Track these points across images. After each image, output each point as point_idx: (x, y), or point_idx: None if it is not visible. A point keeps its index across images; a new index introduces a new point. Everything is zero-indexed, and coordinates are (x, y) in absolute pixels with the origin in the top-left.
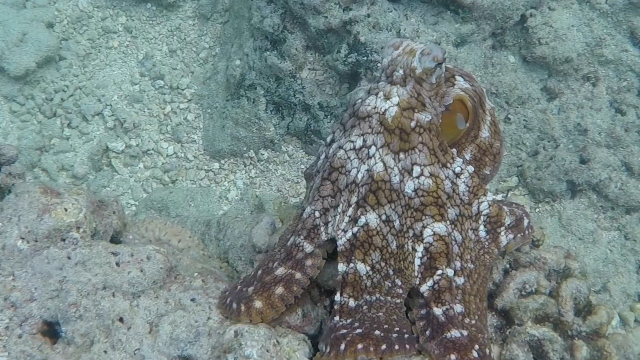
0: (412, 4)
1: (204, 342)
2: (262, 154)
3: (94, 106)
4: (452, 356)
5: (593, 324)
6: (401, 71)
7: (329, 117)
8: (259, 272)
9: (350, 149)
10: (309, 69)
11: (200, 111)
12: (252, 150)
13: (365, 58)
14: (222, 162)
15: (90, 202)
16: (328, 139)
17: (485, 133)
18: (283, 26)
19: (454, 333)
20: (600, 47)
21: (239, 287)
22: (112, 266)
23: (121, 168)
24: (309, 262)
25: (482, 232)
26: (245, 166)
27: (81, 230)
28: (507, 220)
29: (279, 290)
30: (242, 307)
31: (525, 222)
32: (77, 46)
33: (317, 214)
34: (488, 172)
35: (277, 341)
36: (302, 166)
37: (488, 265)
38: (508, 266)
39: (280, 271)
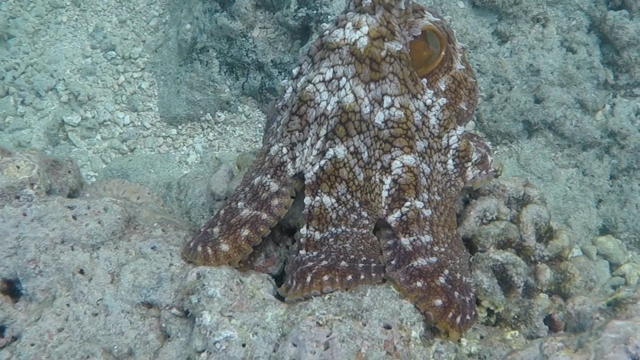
0: None
1: (166, 287)
2: (219, 116)
3: (46, 82)
4: (418, 283)
5: (555, 248)
6: None
7: (282, 74)
8: (222, 212)
9: (320, 82)
10: (260, 28)
11: (154, 79)
12: (208, 114)
13: (315, 11)
14: (180, 127)
15: (43, 161)
16: (295, 72)
17: (458, 65)
18: None
19: (420, 261)
20: None
21: (202, 229)
22: (69, 220)
23: (78, 141)
24: (275, 201)
25: (450, 166)
26: (202, 130)
27: (35, 186)
28: (475, 156)
29: (245, 232)
30: (209, 250)
31: (489, 158)
32: (26, 23)
33: (284, 150)
34: (464, 107)
35: (240, 280)
36: (260, 125)
37: (454, 197)
38: (468, 196)
39: (245, 212)
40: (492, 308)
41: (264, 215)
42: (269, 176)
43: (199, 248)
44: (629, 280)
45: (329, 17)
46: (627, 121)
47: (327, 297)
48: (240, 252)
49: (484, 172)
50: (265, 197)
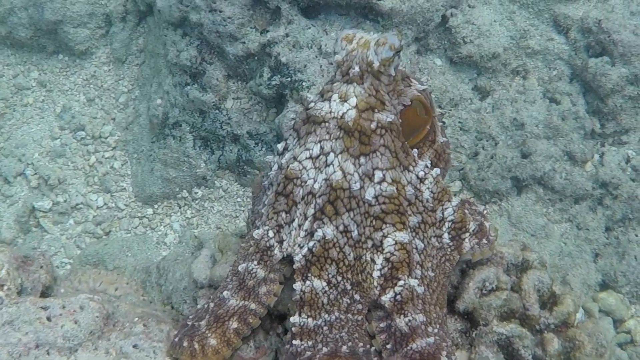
0: (329, 18)
1: None
2: (195, 193)
3: (14, 167)
4: None
5: (560, 315)
6: (357, 67)
7: (259, 144)
8: (211, 304)
9: (307, 158)
10: (233, 98)
11: (126, 157)
12: (185, 190)
13: (289, 79)
14: (156, 206)
15: (13, 258)
16: (280, 147)
17: (441, 138)
18: (201, 58)
19: (420, 343)
20: (525, 39)
21: (189, 323)
22: (43, 322)
23: (51, 227)
24: (263, 289)
25: (445, 239)
26: (180, 207)
27: (5, 287)
28: (472, 226)
29: (234, 324)
30: (196, 345)
31: (487, 225)
32: None
33: (270, 233)
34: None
35: None
36: (239, 199)
37: (448, 273)
38: (465, 266)
39: (233, 303)
40: None
41: (253, 305)
42: (255, 262)
43: (185, 343)
44: (634, 337)
45: (303, 83)
46: (618, 170)
47: None
48: (229, 346)
49: (483, 241)
50: (252, 284)
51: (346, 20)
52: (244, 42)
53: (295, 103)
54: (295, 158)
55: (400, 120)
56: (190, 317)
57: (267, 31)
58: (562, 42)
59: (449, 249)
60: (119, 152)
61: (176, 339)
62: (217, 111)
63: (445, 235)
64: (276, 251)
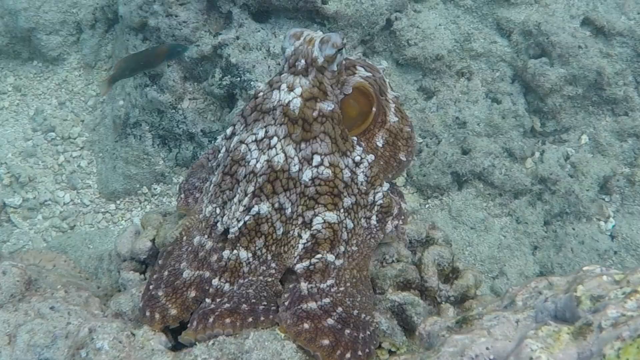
0: (279, 21)
1: (61, 344)
2: (155, 189)
3: None
4: (305, 325)
5: (460, 288)
6: (303, 61)
7: (213, 142)
8: (165, 272)
9: (252, 141)
10: (190, 99)
11: (92, 157)
12: (145, 187)
13: (238, 79)
14: (118, 202)
15: None
16: (228, 132)
17: (393, 118)
18: None
19: (311, 305)
20: (469, 42)
21: (148, 292)
22: None
23: (20, 222)
24: (214, 257)
25: (373, 221)
26: (140, 203)
27: None
28: (395, 210)
29: (192, 293)
30: (157, 316)
31: (404, 207)
32: None
33: (217, 210)
34: (404, 158)
35: (132, 333)
36: None
37: (373, 247)
38: None
39: (188, 273)
40: (392, 349)
41: (207, 274)
42: (206, 236)
43: (147, 313)
44: None
45: (252, 83)
46: (557, 167)
47: (211, 342)
48: (188, 311)
49: (400, 223)
50: (204, 255)
51: (294, 24)
52: (198, 45)
53: (244, 102)
54: (242, 142)
55: (340, 109)
56: (149, 283)
57: (220, 34)
58: (504, 44)
59: (374, 229)
60: (86, 151)
61: (140, 307)
62: (173, 111)
63: (374, 217)
64: (219, 225)
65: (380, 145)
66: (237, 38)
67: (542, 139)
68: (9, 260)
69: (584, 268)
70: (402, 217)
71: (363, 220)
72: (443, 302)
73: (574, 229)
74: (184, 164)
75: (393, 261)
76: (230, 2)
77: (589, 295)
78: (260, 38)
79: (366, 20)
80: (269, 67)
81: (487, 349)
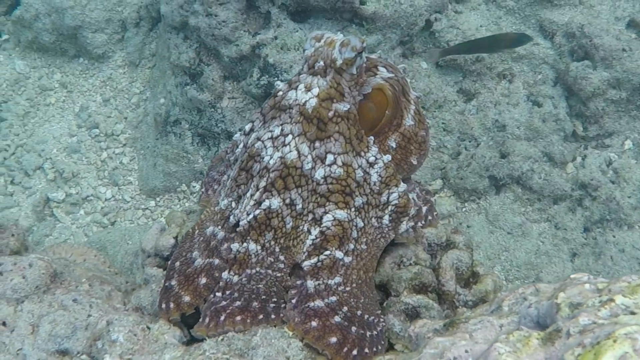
0: (317, 22)
1: (80, 335)
2: (193, 187)
3: (34, 161)
4: (313, 323)
5: (478, 293)
6: (322, 62)
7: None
8: (177, 263)
9: (268, 138)
10: (229, 98)
11: (134, 154)
12: (184, 184)
13: (275, 79)
14: (158, 199)
15: None
16: (247, 128)
17: (409, 121)
18: (199, 59)
19: (318, 303)
20: None
21: (163, 285)
22: None
23: (63, 216)
24: (224, 245)
25: (385, 220)
26: (179, 200)
27: None
28: (412, 211)
29: (203, 280)
30: (172, 305)
31: (424, 209)
32: (17, 107)
33: (233, 204)
34: (415, 162)
35: (147, 326)
36: None
37: (381, 246)
38: (388, 245)
39: (199, 262)
40: (405, 351)
41: (216, 261)
42: (219, 227)
43: (163, 305)
44: None
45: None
46: (598, 172)
47: (220, 338)
48: (201, 298)
49: (419, 224)
50: (215, 244)
51: (332, 24)
52: (237, 45)
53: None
54: (258, 138)
55: (357, 110)
56: (164, 277)
57: (258, 34)
58: (547, 46)
59: (386, 229)
60: (128, 148)
61: (157, 302)
62: (212, 110)
63: (386, 217)
64: (231, 217)
65: (393, 146)
66: (275, 38)
67: (584, 144)
68: (36, 253)
69: (572, 276)
70: (424, 219)
71: (374, 220)
72: (460, 307)
73: (614, 237)
74: None
75: (410, 264)
76: (269, 2)
77: (569, 302)
78: (298, 38)
79: (405, 21)
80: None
81: (466, 351)
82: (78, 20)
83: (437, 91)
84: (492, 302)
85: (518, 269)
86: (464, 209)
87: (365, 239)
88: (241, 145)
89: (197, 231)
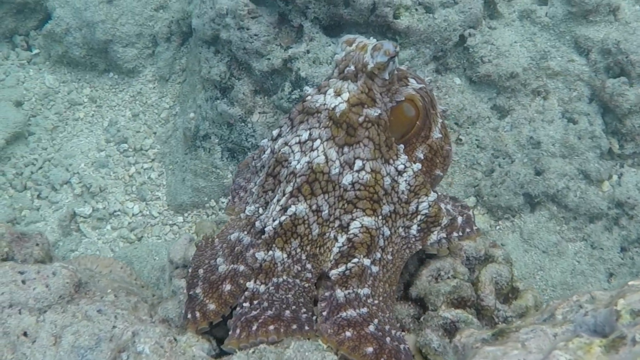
0: None
1: (104, 347)
2: (222, 202)
3: (62, 175)
4: (347, 333)
5: (519, 308)
6: (353, 66)
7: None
8: (201, 271)
9: (296, 143)
10: (260, 113)
11: (163, 169)
12: (212, 200)
13: None
14: (186, 214)
15: (9, 233)
16: (274, 133)
17: (437, 134)
18: (230, 73)
19: (350, 312)
20: (546, 60)
21: (187, 294)
22: (18, 284)
23: (89, 231)
24: (250, 251)
25: (413, 230)
26: (207, 216)
27: None
28: (444, 220)
29: (228, 287)
30: (198, 314)
31: (460, 219)
32: (45, 121)
33: (260, 210)
34: (439, 173)
35: (175, 338)
36: None
37: (405, 258)
38: (424, 256)
39: (223, 268)
40: None
41: (241, 267)
42: (245, 232)
43: (189, 315)
44: None
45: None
46: (635, 190)
47: (251, 350)
48: (227, 306)
49: (454, 234)
50: (240, 250)
51: (365, 38)
52: (269, 59)
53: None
54: (286, 143)
55: (388, 116)
56: (185, 287)
57: (290, 47)
58: (582, 63)
59: (413, 239)
60: (156, 163)
61: (183, 314)
62: (243, 124)
63: (414, 227)
64: (257, 223)
65: (420, 157)
66: (308, 52)
67: (620, 162)
68: (60, 262)
69: (629, 282)
70: (461, 231)
71: (401, 229)
72: (500, 323)
73: None
74: None
75: (448, 277)
76: (301, 16)
77: (630, 309)
78: (331, 52)
79: (439, 36)
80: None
81: None
82: (109, 34)
83: (470, 107)
84: (543, 311)
85: (553, 288)
86: (497, 227)
87: (391, 249)
88: (268, 151)
89: (217, 239)
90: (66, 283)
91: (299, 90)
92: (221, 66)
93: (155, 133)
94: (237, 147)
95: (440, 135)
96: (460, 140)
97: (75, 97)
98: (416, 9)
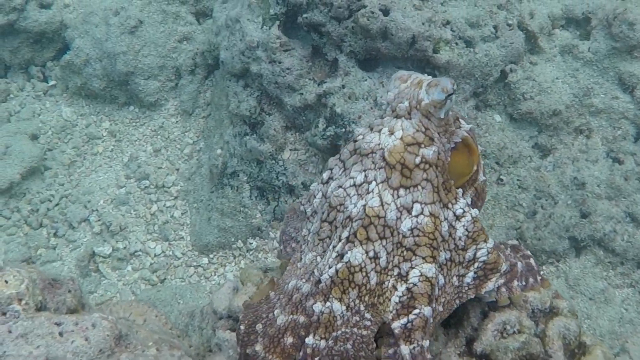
0: (386, 70)
1: None
2: (250, 243)
3: (80, 213)
4: None
5: None
6: (406, 103)
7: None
8: (259, 326)
9: (351, 186)
10: (291, 150)
11: (186, 207)
12: (240, 241)
13: (343, 130)
14: (211, 256)
15: (40, 279)
16: (325, 177)
17: (482, 177)
18: (260, 108)
19: None
20: (589, 97)
21: (243, 351)
22: (55, 336)
23: (109, 272)
24: (310, 301)
25: (467, 279)
26: (234, 258)
27: (23, 302)
28: (504, 267)
29: (289, 340)
30: None
31: (520, 265)
32: (62, 155)
33: (318, 259)
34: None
35: None
36: None
37: (453, 309)
38: (487, 308)
39: (282, 319)
40: None
41: (302, 318)
42: (303, 280)
43: None
44: None
45: (353, 127)
46: None
47: None
48: (290, 359)
49: (515, 282)
50: (299, 298)
51: None
52: (301, 93)
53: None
54: (340, 186)
55: (448, 159)
56: (239, 344)
57: (324, 82)
58: (627, 100)
59: (465, 288)
60: (180, 201)
61: None
62: (273, 161)
63: (470, 274)
64: (315, 271)
65: (468, 202)
66: (343, 87)
67: None
68: (99, 312)
69: None
70: (523, 280)
71: (455, 279)
72: None
73: None
74: (281, 219)
75: (514, 332)
76: (336, 49)
77: None
78: (367, 87)
79: (479, 71)
80: (375, 117)
81: None
82: (130, 66)
83: (511, 146)
84: None
85: (602, 338)
86: (541, 273)
87: (443, 299)
88: (319, 195)
89: (272, 292)
90: (106, 336)
91: (334, 126)
92: (251, 101)
93: (178, 169)
94: (266, 186)
95: (484, 178)
96: (502, 180)
97: (94, 131)
98: (456, 43)
